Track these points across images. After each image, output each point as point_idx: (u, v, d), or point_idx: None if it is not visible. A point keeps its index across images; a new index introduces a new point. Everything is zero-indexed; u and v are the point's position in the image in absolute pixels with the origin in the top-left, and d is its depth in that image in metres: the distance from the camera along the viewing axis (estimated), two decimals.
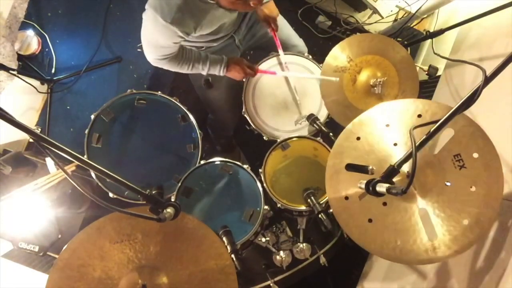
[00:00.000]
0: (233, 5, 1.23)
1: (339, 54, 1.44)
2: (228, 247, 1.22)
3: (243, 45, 1.75)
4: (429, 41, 1.85)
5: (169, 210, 0.89)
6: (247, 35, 1.74)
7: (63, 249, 0.95)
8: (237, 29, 1.64)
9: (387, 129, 0.99)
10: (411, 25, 2.25)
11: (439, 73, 1.80)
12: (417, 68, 1.77)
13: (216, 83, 1.71)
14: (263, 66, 1.67)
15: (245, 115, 1.64)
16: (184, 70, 1.51)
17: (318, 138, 1.52)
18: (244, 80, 1.63)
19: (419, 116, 0.97)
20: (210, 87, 1.73)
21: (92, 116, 1.55)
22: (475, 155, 0.92)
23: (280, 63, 1.67)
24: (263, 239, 1.53)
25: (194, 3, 1.20)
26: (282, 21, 1.78)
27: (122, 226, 0.98)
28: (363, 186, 0.89)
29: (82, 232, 0.98)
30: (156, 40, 1.31)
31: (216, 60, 1.53)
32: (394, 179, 0.87)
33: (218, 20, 1.36)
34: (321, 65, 1.58)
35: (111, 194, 1.54)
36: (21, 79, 2.11)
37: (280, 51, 1.65)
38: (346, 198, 0.97)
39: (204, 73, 1.55)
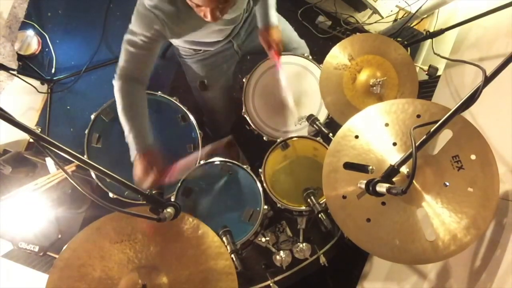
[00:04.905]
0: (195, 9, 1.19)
1: (340, 53, 1.44)
2: (228, 247, 1.22)
3: (242, 50, 1.75)
4: (429, 41, 1.85)
5: (169, 210, 0.90)
6: (246, 41, 1.74)
7: (63, 249, 0.96)
8: (236, 34, 1.64)
9: (386, 128, 0.99)
10: (411, 25, 2.24)
11: (439, 73, 1.80)
12: (417, 68, 1.77)
13: (212, 85, 1.71)
14: (262, 67, 1.67)
15: (245, 115, 1.64)
16: (119, 113, 1.33)
17: (318, 138, 1.52)
18: (241, 83, 1.61)
19: (418, 116, 0.97)
20: (205, 89, 1.73)
21: (92, 116, 1.56)
22: (473, 156, 0.92)
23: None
24: (263, 239, 1.53)
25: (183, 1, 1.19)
26: (283, 23, 1.77)
27: (122, 226, 0.99)
28: (363, 186, 0.89)
29: (82, 232, 0.98)
30: (132, 29, 1.27)
31: (138, 137, 1.31)
32: (394, 179, 0.87)
33: (205, 25, 1.33)
34: (321, 65, 1.58)
35: (111, 194, 1.54)
36: (21, 79, 2.11)
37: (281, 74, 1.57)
38: (344, 197, 0.97)
39: (125, 136, 1.33)
